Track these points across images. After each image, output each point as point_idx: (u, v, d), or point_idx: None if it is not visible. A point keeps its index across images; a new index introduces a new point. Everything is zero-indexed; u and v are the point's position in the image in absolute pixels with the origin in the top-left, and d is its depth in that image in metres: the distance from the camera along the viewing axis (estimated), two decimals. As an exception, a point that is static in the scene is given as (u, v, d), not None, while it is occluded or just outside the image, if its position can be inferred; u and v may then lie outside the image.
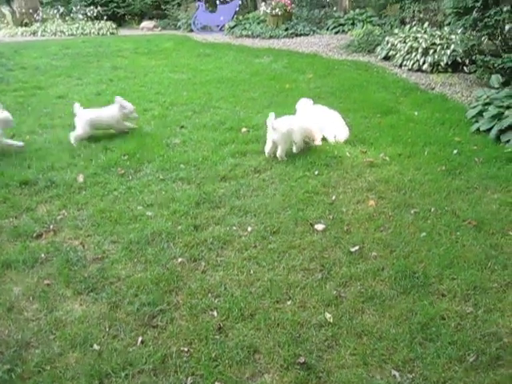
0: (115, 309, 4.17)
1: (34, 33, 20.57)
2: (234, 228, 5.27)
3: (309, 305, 4.18)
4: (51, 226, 5.37)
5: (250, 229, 5.25)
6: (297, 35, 17.70)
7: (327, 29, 18.19)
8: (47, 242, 5.13)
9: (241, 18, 19.65)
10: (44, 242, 5.14)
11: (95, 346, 3.79)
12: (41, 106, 9.44)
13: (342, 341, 3.81)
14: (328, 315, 4.04)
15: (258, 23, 18.77)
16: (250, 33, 18.18)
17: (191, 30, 20.53)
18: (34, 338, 3.90)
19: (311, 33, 17.94)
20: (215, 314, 4.09)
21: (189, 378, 3.51)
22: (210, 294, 4.31)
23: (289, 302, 4.21)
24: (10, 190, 6.12)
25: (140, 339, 3.85)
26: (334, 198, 5.85)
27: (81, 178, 6.34)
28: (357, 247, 4.91)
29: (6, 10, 24.09)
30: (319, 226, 5.27)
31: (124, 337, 3.89)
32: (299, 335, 3.86)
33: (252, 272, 4.59)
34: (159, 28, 22.13)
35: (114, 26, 21.44)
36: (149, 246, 4.99)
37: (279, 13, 18.11)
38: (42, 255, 4.88)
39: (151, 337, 3.89)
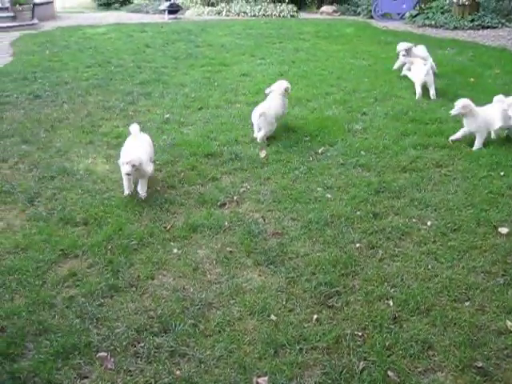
0: (293, 284, 4.28)
1: (219, 12, 21.38)
2: (414, 220, 5.16)
3: (488, 309, 3.99)
4: (234, 197, 5.62)
5: (429, 223, 5.11)
6: (483, 27, 16.75)
7: (517, 22, 17.04)
8: (230, 211, 5.38)
9: (423, 6, 18.96)
10: (227, 211, 5.39)
11: (272, 317, 3.92)
12: (226, 83, 9.84)
13: (523, 352, 3.60)
14: (509, 323, 3.83)
15: (442, 13, 18.00)
16: (432, 22, 17.49)
17: (371, 17, 20.17)
18: (215, 299, 4.12)
19: (499, 25, 16.89)
20: (391, 303, 4.04)
21: (361, 363, 3.51)
22: (386, 283, 4.27)
23: (467, 303, 4.05)
24: (197, 159, 6.49)
25: (315, 317, 3.92)
26: (520, 202, 5.51)
27: (263, 154, 6.53)
28: (545, 257, 4.59)
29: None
30: (503, 230, 5.00)
31: (300, 312, 3.98)
32: (476, 338, 3.71)
33: (430, 267, 4.47)
34: (338, 13, 21.99)
35: (294, 8, 21.64)
36: (328, 227, 5.04)
37: (466, 3, 17.22)
38: (226, 223, 5.13)
39: (326, 316, 3.94)
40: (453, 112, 6.87)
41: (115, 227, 5.04)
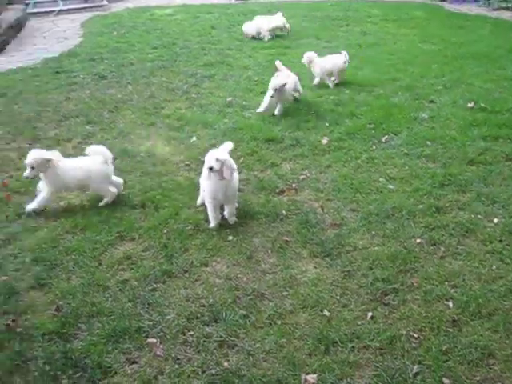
0: (348, 278, 4.16)
1: (287, -7, 21.17)
2: (479, 216, 4.93)
3: (558, 316, 3.75)
4: (293, 185, 5.52)
5: (496, 220, 4.87)
6: None
7: None
8: (288, 199, 5.29)
9: (500, -12, 18.13)
10: (285, 198, 5.30)
11: (325, 312, 3.82)
12: (290, 66, 9.64)
13: None
14: None
15: (521, -6, 17.20)
16: (509, 5, 16.70)
17: (443, -1, 19.50)
18: (268, 290, 4.06)
19: None
20: (450, 304, 3.87)
21: (415, 366, 3.37)
22: (446, 283, 4.09)
23: (534, 309, 3.82)
24: (257, 144, 6.42)
25: (370, 314, 3.79)
26: None
27: (325, 141, 6.40)
28: None
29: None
30: None
31: (354, 308, 3.87)
32: (544, 348, 3.49)
33: (494, 268, 4.26)
34: (410, -5, 21.35)
35: (364, -10, 21.18)
36: (388, 220, 4.88)
37: (548, -17, 16.34)
38: (283, 212, 5.04)
39: (381, 314, 3.81)
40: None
41: (172, 211, 5.04)
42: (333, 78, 8.57)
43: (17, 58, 11.04)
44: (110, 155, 5.19)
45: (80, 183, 5.21)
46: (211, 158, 4.60)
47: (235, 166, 4.75)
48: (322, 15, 15.07)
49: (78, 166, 5.19)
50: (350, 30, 13.03)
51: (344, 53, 8.38)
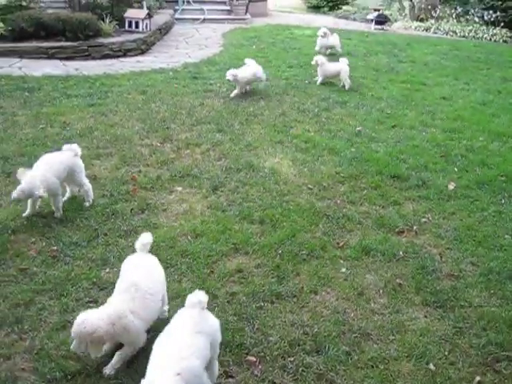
0: (459, 335, 3.98)
1: (427, 29, 20.70)
2: None
3: None
4: (414, 227, 5.37)
5: None
6: None
7: None
8: (407, 240, 5.15)
9: None
10: (404, 239, 5.17)
11: (431, 366, 3.68)
12: (424, 103, 9.45)
13: None
14: None
15: None
16: None
17: None
18: (375, 331, 3.97)
19: None
20: None
21: None
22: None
23: None
24: (382, 179, 6.31)
25: (478, 379, 3.60)
26: None
27: (452, 186, 6.18)
28: None
29: (406, 3, 24.76)
30: None
31: (461, 368, 3.68)
32: None
33: None
34: (560, 45, 20.29)
35: (508, 34, 20.37)
36: (509, 281, 4.62)
37: None
38: (400, 253, 4.91)
39: (490, 381, 3.61)
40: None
41: (289, 232, 5.07)
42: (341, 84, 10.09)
43: (160, 59, 11.65)
44: None
45: None
46: None
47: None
48: (463, 55, 14.66)
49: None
50: (490, 74, 12.54)
51: (344, 59, 10.03)
